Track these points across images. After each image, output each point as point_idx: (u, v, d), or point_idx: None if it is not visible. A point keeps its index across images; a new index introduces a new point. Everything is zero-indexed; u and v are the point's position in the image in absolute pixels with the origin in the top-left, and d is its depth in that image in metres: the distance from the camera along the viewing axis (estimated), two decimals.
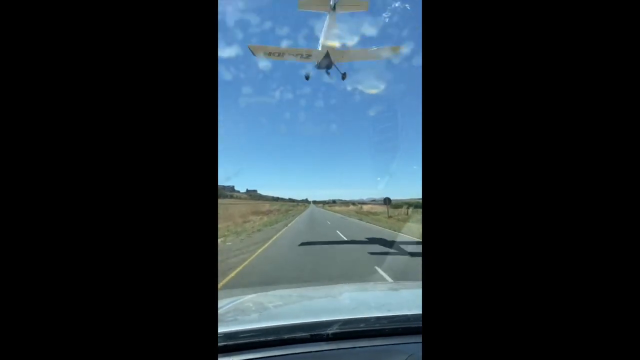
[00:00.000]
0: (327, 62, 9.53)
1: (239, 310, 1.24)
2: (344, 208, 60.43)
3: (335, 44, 9.27)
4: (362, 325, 0.93)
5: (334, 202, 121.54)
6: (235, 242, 10.36)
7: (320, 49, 9.38)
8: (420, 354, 0.70)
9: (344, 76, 10.17)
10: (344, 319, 0.94)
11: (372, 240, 10.45)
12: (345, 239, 10.94)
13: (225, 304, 1.28)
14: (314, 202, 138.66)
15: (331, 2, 8.67)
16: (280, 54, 9.69)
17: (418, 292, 1.22)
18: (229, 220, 18.63)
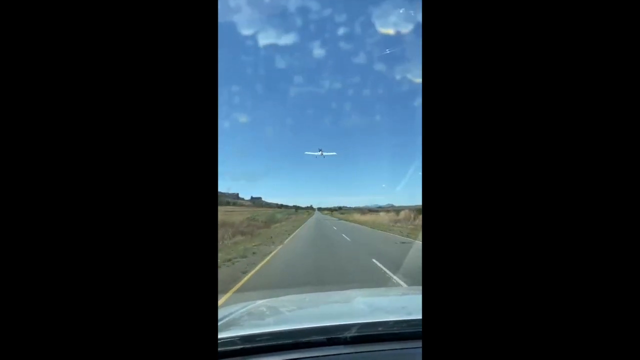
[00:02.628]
0: (320, 154, 50.15)
1: (253, 315, 1.25)
2: (369, 217, 35.25)
3: (324, 153, 49.77)
4: (380, 328, 0.92)
5: (339, 208, 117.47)
6: None
7: (319, 153, 50.23)
8: None
9: (324, 156, 50.63)
10: (362, 323, 0.94)
11: None
12: None
13: (237, 308, 1.29)
14: (319, 209, 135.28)
15: (318, 153, 48.96)
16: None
17: None
18: None
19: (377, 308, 1.36)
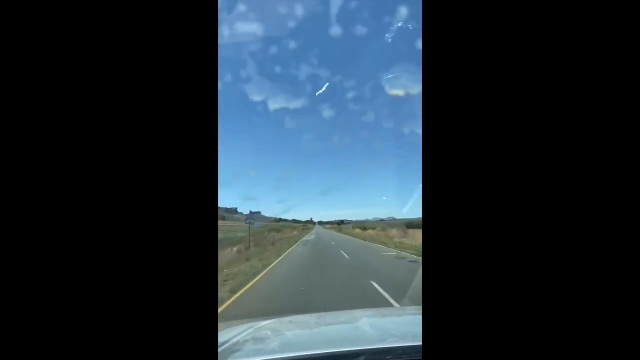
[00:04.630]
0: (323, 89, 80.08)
1: (258, 339, 1.22)
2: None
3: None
4: (389, 357, 0.88)
5: (342, 222, 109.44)
6: None
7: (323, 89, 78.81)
8: None
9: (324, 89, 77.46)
10: (370, 349, 0.91)
11: None
12: None
13: (241, 330, 1.27)
14: (320, 222, 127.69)
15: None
16: None
17: None
18: None
19: (386, 332, 1.29)
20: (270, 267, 8.82)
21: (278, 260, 10.51)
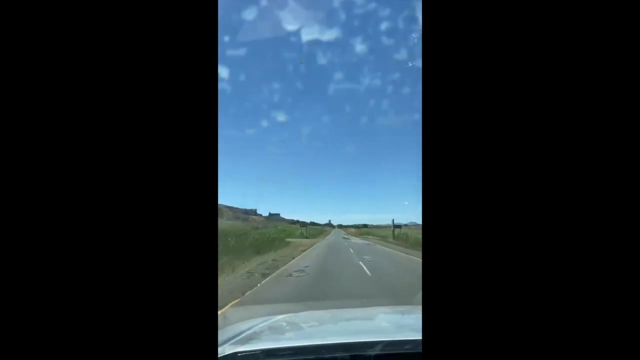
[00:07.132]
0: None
1: (274, 329, 1.26)
2: None
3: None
4: (407, 347, 0.89)
5: (365, 226, 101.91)
6: None
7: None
8: None
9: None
10: (388, 340, 0.92)
11: None
12: None
13: (257, 322, 1.30)
14: (339, 226, 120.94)
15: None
16: None
17: None
18: None
19: (402, 325, 1.33)
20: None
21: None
